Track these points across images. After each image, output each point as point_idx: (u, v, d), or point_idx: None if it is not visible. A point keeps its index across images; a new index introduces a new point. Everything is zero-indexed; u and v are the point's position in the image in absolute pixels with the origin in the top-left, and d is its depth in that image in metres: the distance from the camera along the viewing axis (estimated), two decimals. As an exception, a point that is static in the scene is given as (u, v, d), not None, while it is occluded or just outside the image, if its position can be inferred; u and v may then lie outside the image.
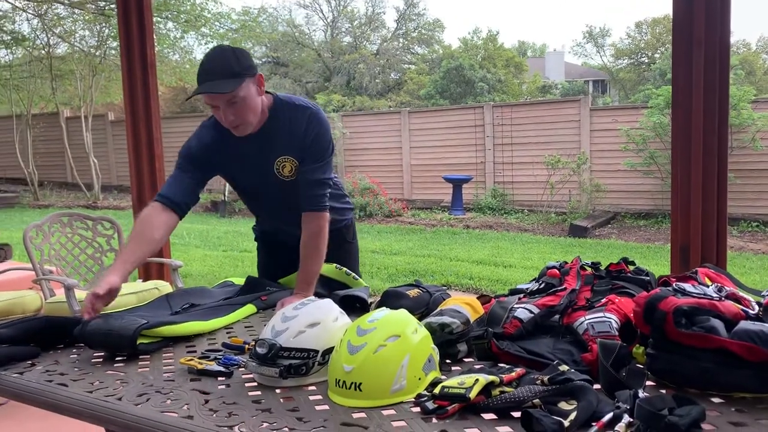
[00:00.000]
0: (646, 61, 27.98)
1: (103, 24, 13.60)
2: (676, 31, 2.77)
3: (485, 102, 13.70)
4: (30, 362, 1.56)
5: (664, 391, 1.25)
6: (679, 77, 2.77)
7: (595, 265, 1.76)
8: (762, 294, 1.47)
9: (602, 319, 1.43)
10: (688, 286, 1.39)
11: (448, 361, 1.48)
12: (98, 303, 1.70)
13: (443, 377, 1.33)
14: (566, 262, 1.79)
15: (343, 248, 2.34)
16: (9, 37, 13.94)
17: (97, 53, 14.04)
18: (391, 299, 1.80)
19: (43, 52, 14.30)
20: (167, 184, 2.06)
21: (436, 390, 1.22)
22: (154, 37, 4.01)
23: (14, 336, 1.58)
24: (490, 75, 20.28)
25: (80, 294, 3.29)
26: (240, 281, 2.24)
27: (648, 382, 1.28)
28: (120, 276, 1.81)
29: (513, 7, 66.12)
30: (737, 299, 1.39)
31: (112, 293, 1.75)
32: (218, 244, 8.76)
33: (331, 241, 2.10)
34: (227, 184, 12.80)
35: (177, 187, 2.03)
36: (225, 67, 1.85)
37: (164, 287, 3.39)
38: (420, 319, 1.54)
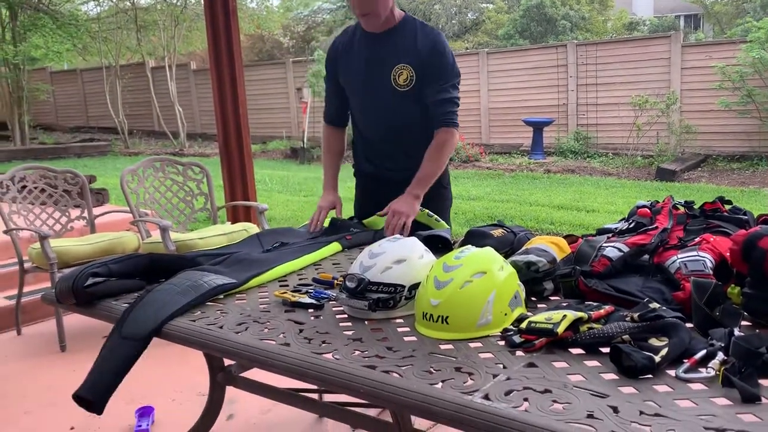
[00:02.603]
0: (746, -9, 25.88)
1: (184, -27, 13.85)
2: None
3: (568, 41, 13.14)
4: (137, 294, 1.67)
5: (759, 331, 1.22)
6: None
7: (688, 204, 1.70)
8: None
9: (696, 258, 1.39)
10: (791, 225, 1.33)
11: (533, 299, 1.48)
12: (323, 215, 2.28)
13: (529, 313, 1.34)
14: (657, 202, 1.74)
15: (438, 193, 2.34)
16: (96, -10, 14.44)
17: (178, 3, 14.34)
18: (475, 238, 1.80)
19: (128, 3, 14.73)
20: (326, 105, 2.49)
21: (523, 325, 1.24)
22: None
23: (123, 270, 1.70)
24: (572, 12, 19.34)
25: (174, 234, 3.48)
26: (324, 223, 2.31)
27: (744, 322, 1.25)
28: (335, 192, 2.40)
29: (598, -61, 62.16)
30: None
31: (335, 207, 2.34)
32: (298, 190, 8.97)
33: None
34: (305, 131, 12.94)
35: (332, 108, 2.46)
36: None
37: (252, 229, 3.53)
38: (505, 258, 1.54)
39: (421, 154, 2.22)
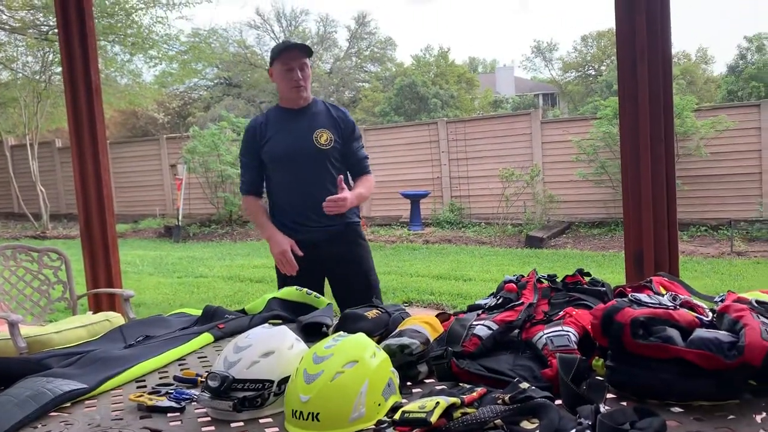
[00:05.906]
0: (593, 73, 28.78)
1: (47, 49, 13.26)
2: (620, 45, 2.83)
3: (439, 118, 13.83)
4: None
5: (624, 404, 1.25)
6: (624, 89, 2.83)
7: (551, 278, 1.76)
8: (714, 300, 1.48)
9: (560, 333, 1.42)
10: (643, 296, 1.39)
11: (408, 383, 1.45)
12: (295, 254, 2.66)
13: (404, 401, 1.29)
14: (522, 276, 1.78)
15: (356, 243, 2.80)
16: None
17: (41, 79, 13.67)
18: (349, 322, 1.76)
19: (-16, 79, 13.87)
20: (243, 179, 2.86)
21: (397, 415, 1.19)
22: (101, 60, 3.92)
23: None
24: (442, 91, 20.53)
25: (25, 329, 3.15)
26: (195, 312, 2.17)
27: (609, 395, 1.27)
28: (282, 235, 2.71)
29: (463, 24, 67.22)
30: (691, 307, 1.40)
31: (294, 247, 2.67)
32: (172, 271, 8.56)
33: (346, 236, 2.73)
34: (180, 208, 12.49)
35: (250, 179, 2.82)
36: (305, 46, 2.68)
37: (115, 319, 3.27)
38: (380, 340, 1.51)
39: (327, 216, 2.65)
